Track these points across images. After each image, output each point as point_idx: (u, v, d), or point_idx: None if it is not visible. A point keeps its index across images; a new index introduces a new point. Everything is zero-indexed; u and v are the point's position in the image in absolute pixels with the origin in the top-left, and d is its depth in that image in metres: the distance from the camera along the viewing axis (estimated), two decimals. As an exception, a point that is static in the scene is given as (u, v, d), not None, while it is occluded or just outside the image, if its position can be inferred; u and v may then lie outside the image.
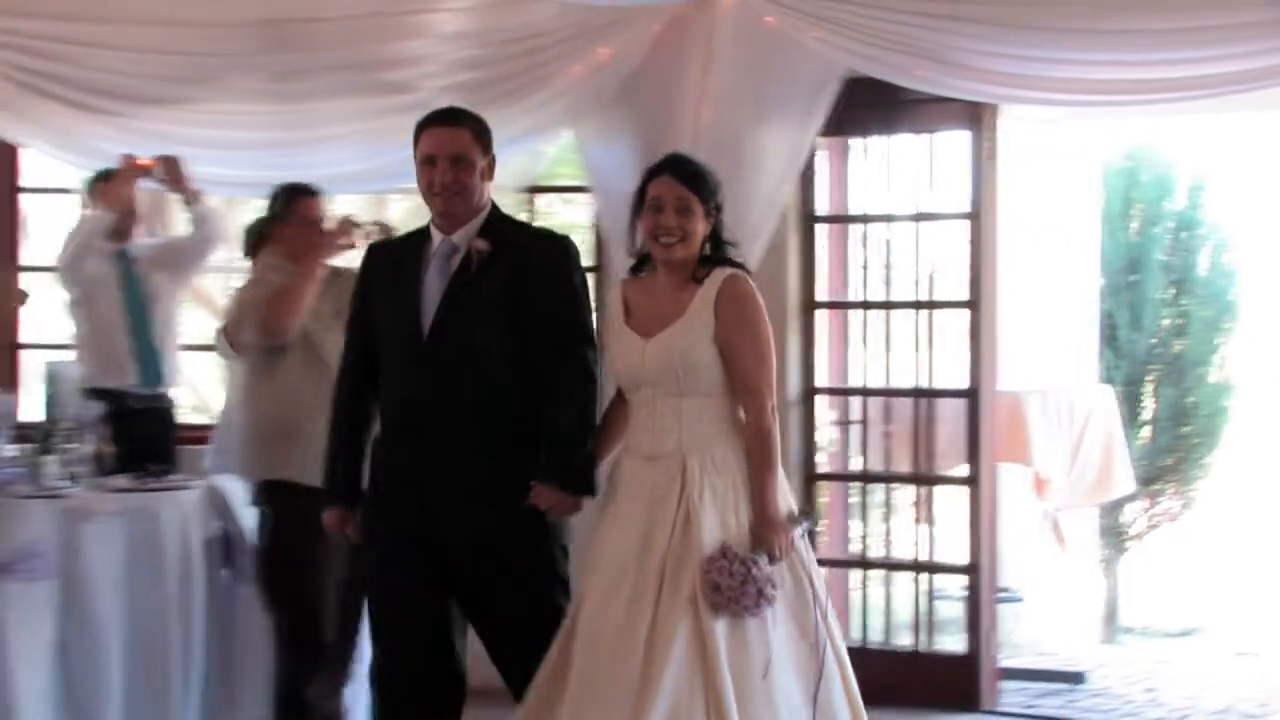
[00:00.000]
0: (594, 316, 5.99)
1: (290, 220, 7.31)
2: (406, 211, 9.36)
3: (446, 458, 5.69)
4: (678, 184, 5.51)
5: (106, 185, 8.33)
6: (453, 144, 5.72)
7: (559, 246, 5.86)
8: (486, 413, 5.68)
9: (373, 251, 6.20)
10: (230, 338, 7.36)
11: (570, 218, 9.77)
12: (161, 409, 8.40)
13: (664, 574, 5.35)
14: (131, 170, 8.25)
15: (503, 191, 8.66)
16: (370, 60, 8.73)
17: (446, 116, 5.83)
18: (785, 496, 5.55)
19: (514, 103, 8.49)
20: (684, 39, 8.34)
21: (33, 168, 9.80)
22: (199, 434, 8.56)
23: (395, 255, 5.97)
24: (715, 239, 5.60)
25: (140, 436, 8.01)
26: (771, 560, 5.31)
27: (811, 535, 6.83)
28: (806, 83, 8.22)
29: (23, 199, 9.79)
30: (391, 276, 5.87)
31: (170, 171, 8.24)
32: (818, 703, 5.39)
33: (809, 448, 8.86)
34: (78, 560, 7.13)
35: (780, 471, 5.53)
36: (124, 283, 8.28)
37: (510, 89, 8.53)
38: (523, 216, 8.61)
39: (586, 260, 9.01)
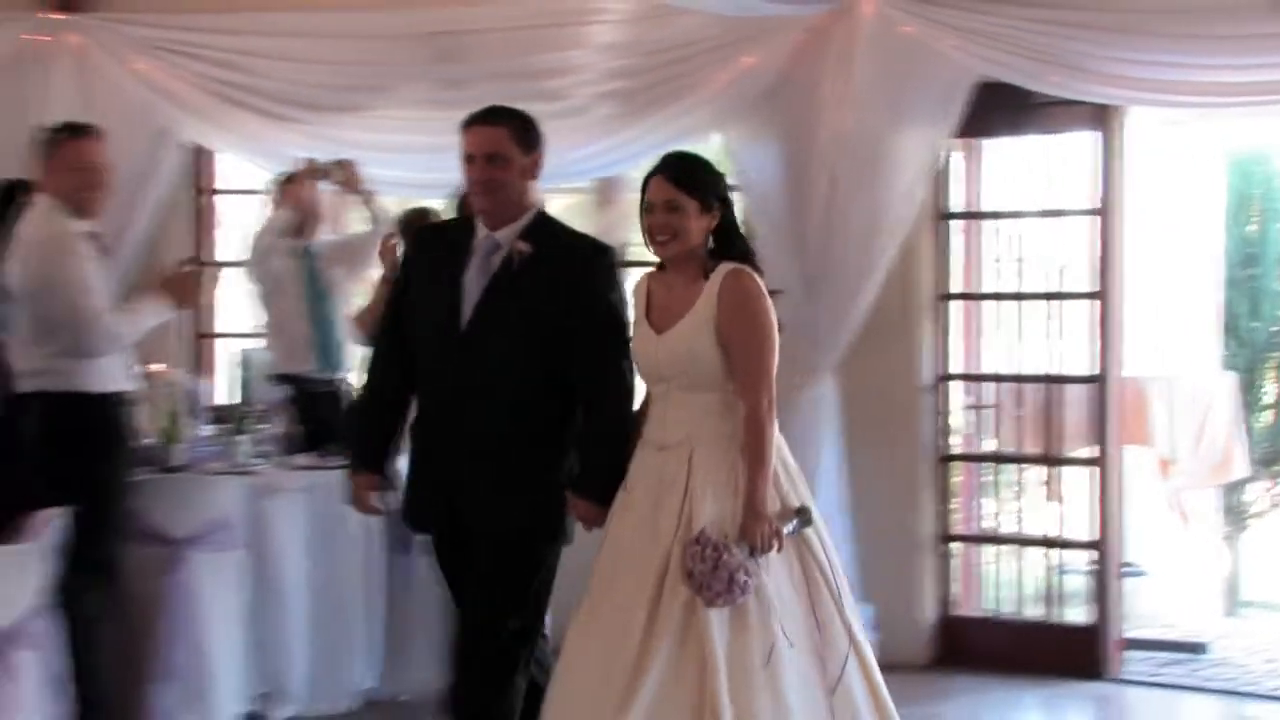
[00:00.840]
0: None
1: None
2: (564, 209, 9.43)
3: (473, 452, 5.51)
4: (666, 184, 5.29)
5: (289, 187, 8.48)
6: (488, 143, 5.50)
7: (600, 257, 5.62)
8: (515, 411, 5.48)
9: (420, 234, 6.13)
10: (364, 328, 7.59)
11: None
12: (337, 392, 8.52)
13: (667, 564, 5.17)
14: (311, 173, 8.39)
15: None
16: (529, 70, 8.83)
17: (485, 116, 5.59)
18: (794, 491, 5.33)
19: (663, 108, 8.61)
20: (824, 47, 8.40)
21: (226, 171, 9.95)
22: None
23: (440, 242, 5.78)
24: (724, 233, 5.37)
25: (320, 418, 8.15)
26: (753, 552, 5.10)
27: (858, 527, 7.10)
28: (940, 88, 8.26)
29: (216, 200, 9.94)
30: (434, 264, 5.66)
31: (346, 174, 8.38)
32: (836, 693, 5.18)
33: (942, 431, 8.84)
34: (265, 532, 7.35)
35: (791, 466, 5.37)
36: (305, 277, 8.41)
37: (659, 96, 8.63)
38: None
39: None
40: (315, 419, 8.11)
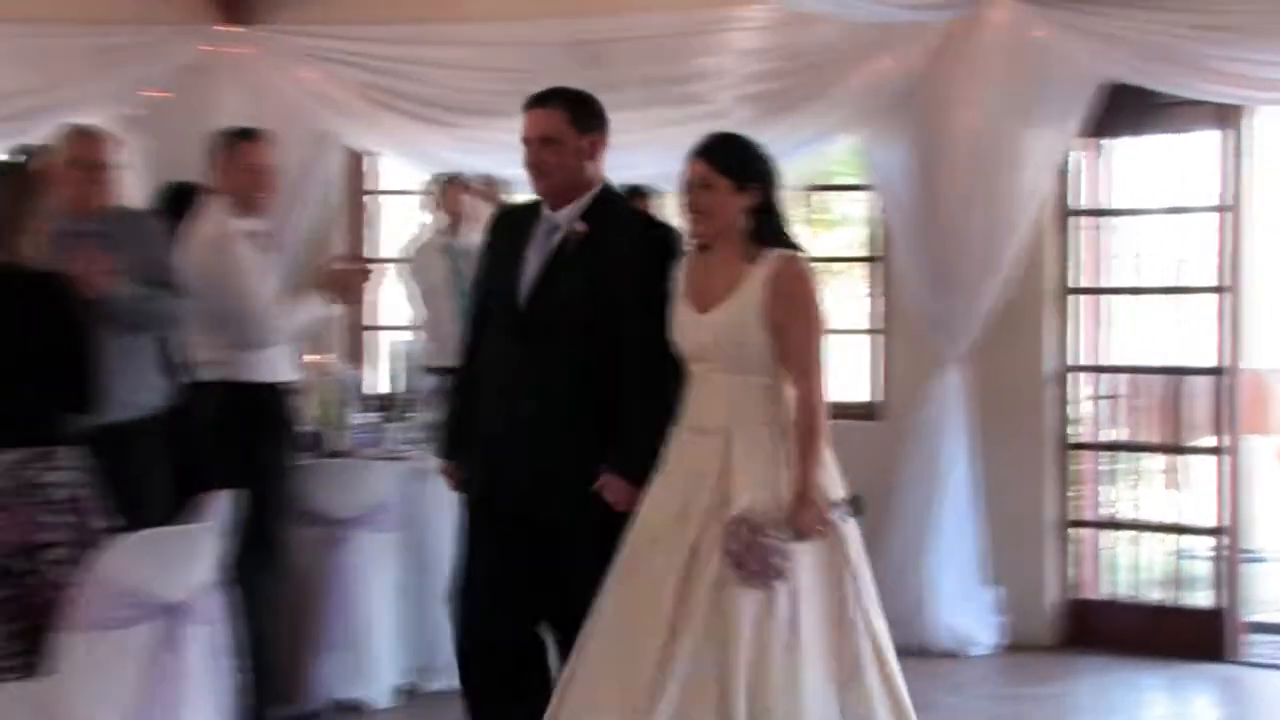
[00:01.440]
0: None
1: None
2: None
3: (527, 432, 5.30)
4: (700, 162, 5.05)
5: (445, 188, 8.57)
6: (541, 125, 5.32)
7: (656, 236, 5.40)
8: (568, 392, 5.26)
9: (496, 217, 5.87)
10: None
11: (849, 212, 9.79)
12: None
13: (697, 546, 4.91)
14: (464, 188, 8.51)
15: (790, 189, 8.85)
16: (672, 75, 8.89)
17: (540, 99, 5.41)
18: (833, 482, 5.07)
19: (800, 111, 8.64)
20: (957, 52, 8.44)
21: (383, 173, 10.08)
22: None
23: (512, 224, 5.55)
24: (762, 215, 5.06)
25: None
26: (797, 537, 4.85)
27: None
28: (1067, 90, 8.25)
29: (374, 200, 10.07)
30: (504, 245, 5.48)
31: (487, 188, 8.49)
32: (849, 689, 4.94)
33: (1065, 420, 8.78)
34: (419, 514, 7.44)
35: (829, 458, 5.07)
36: (454, 275, 8.49)
37: (797, 99, 8.65)
38: (803, 212, 8.74)
39: (867, 252, 9.12)
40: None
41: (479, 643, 5.46)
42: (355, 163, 9.82)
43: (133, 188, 7.46)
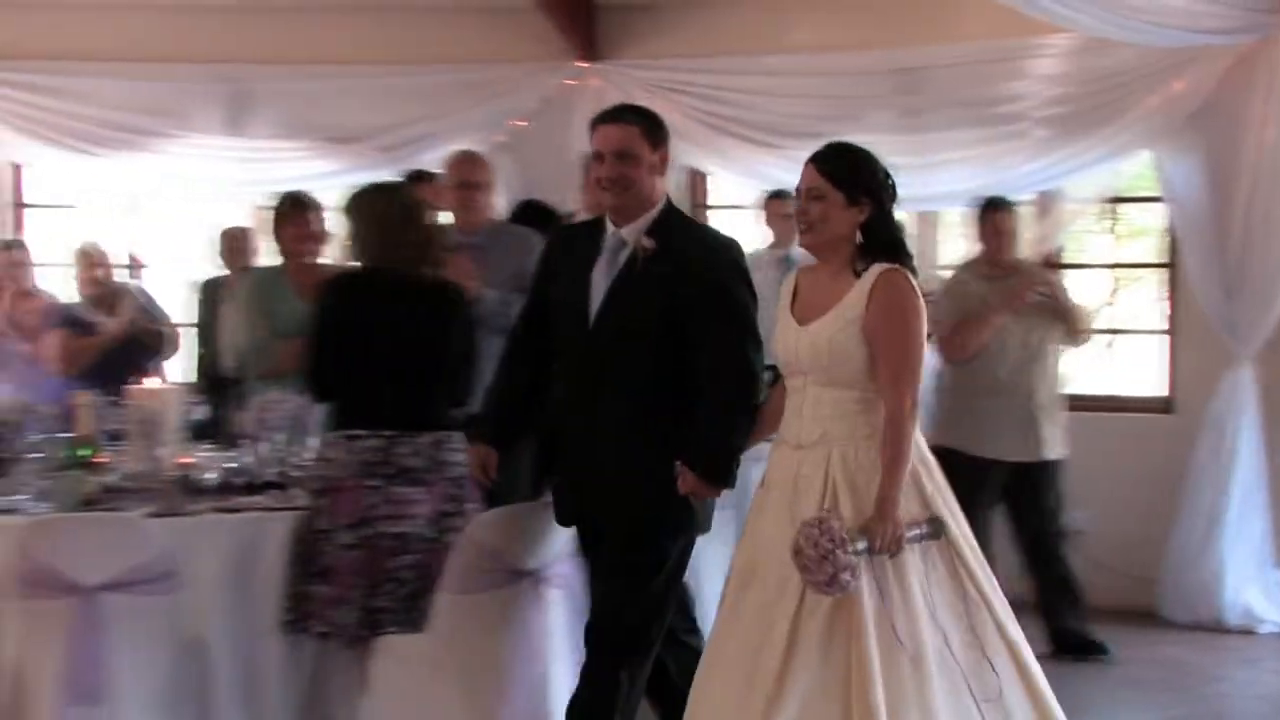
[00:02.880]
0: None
1: (985, 232, 7.57)
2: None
3: (599, 447, 5.01)
4: (813, 172, 4.61)
5: (772, 203, 8.67)
6: (618, 140, 4.99)
7: (721, 251, 5.09)
8: (639, 406, 4.96)
9: (559, 233, 5.55)
10: None
11: (1145, 223, 9.62)
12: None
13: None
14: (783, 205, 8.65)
15: (1087, 202, 8.81)
16: (979, 98, 8.92)
17: (614, 114, 5.11)
18: (940, 498, 4.62)
19: (1097, 129, 8.62)
20: (1251, 72, 8.28)
21: (718, 189, 10.21)
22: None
23: (576, 240, 5.24)
24: (873, 229, 4.62)
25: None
26: (870, 550, 4.38)
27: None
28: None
29: (709, 214, 10.23)
30: (569, 261, 5.16)
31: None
32: (992, 704, 4.48)
33: None
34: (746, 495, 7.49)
35: (937, 475, 4.65)
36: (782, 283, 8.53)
37: (1095, 119, 8.61)
38: (1105, 224, 8.66)
39: (1160, 259, 8.97)
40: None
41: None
42: (692, 180, 9.97)
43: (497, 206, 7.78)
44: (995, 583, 4.66)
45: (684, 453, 4.86)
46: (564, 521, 5.23)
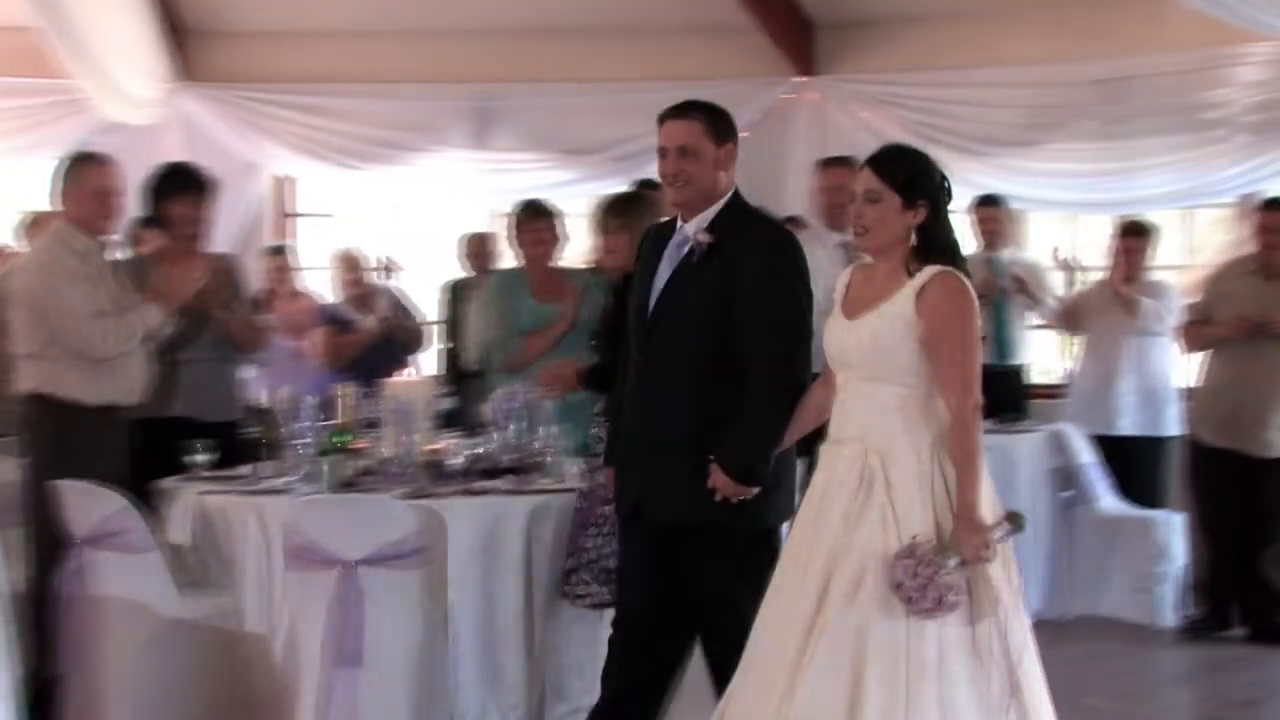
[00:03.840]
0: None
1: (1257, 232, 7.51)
2: (1212, 222, 9.15)
3: (654, 438, 4.72)
4: (870, 174, 4.29)
5: (981, 210, 8.54)
6: (680, 136, 4.70)
7: (774, 241, 4.75)
8: (691, 398, 4.66)
9: (645, 235, 5.17)
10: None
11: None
12: (1014, 374, 8.50)
13: (833, 564, 4.17)
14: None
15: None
16: (1181, 105, 8.73)
17: (678, 110, 4.79)
18: (989, 499, 4.21)
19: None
20: None
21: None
22: (1045, 391, 8.81)
23: (656, 240, 4.90)
24: (929, 232, 4.28)
25: (996, 392, 8.17)
26: (964, 563, 4.04)
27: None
28: None
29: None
30: (646, 260, 4.88)
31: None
32: (1004, 709, 4.12)
33: None
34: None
35: (984, 473, 4.21)
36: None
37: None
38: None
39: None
40: (993, 394, 8.12)
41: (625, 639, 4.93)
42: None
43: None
44: (1016, 589, 4.24)
45: (717, 450, 4.58)
46: (622, 511, 4.92)
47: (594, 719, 4.98)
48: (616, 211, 5.96)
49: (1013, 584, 4.22)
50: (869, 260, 4.42)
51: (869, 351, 4.24)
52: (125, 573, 5.40)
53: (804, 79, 9.69)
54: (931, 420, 4.20)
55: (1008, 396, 8.14)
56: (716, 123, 4.75)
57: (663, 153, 4.74)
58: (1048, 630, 7.49)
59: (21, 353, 5.92)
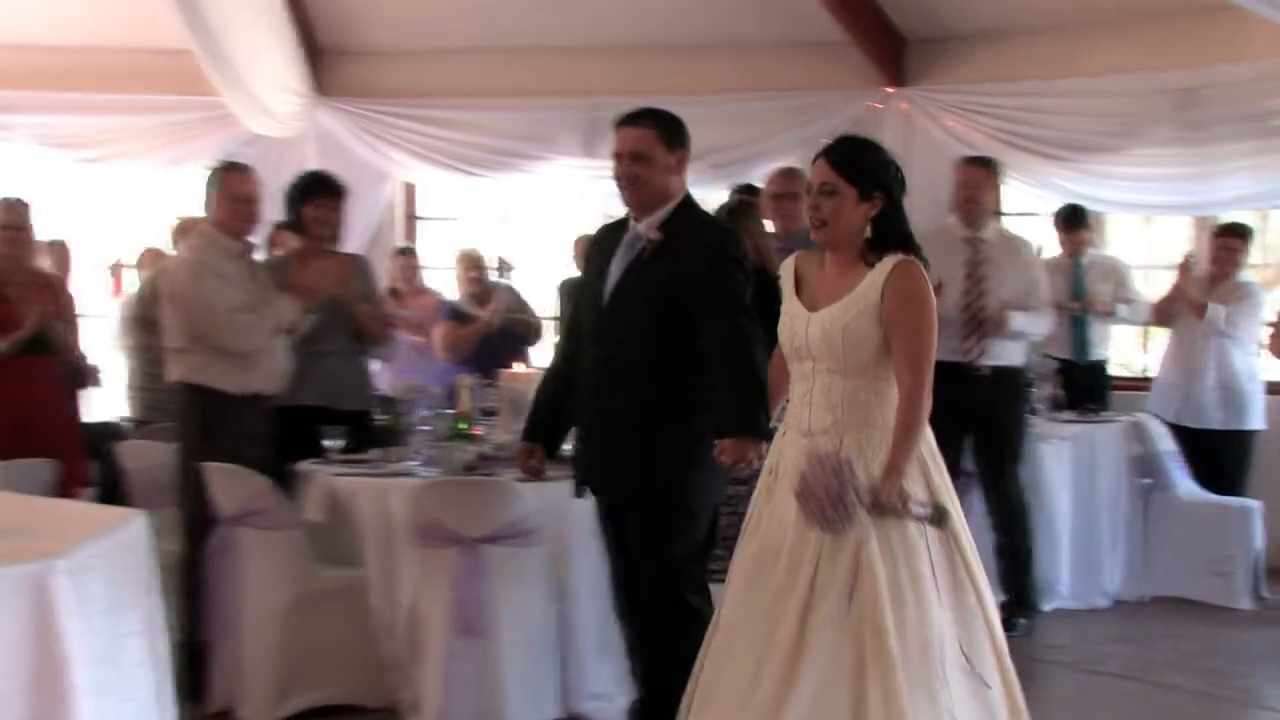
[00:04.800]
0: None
1: None
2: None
3: (603, 425, 4.73)
4: (826, 167, 4.07)
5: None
6: (633, 142, 4.68)
7: (716, 238, 4.71)
8: (641, 386, 4.64)
9: (595, 235, 5.15)
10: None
11: None
12: (1096, 369, 8.40)
13: (818, 564, 3.91)
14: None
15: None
16: (1256, 113, 8.51)
17: (633, 118, 4.77)
18: (945, 491, 4.05)
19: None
20: None
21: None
22: (1125, 384, 8.73)
23: (606, 239, 4.90)
24: (883, 223, 4.08)
25: (1079, 386, 8.12)
26: (873, 508, 3.85)
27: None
28: None
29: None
30: (596, 258, 4.88)
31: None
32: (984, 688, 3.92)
33: None
34: (1040, 469, 7.32)
35: (930, 461, 4.04)
36: (1071, 285, 8.32)
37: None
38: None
39: None
40: (1075, 387, 8.08)
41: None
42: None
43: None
44: (986, 582, 4.08)
45: (719, 429, 4.47)
46: (582, 495, 4.93)
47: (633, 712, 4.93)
48: (728, 218, 5.95)
49: (956, 575, 3.97)
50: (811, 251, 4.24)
51: (840, 344, 4.03)
52: (266, 548, 5.50)
53: (893, 90, 9.60)
54: (893, 409, 4.02)
55: (1090, 390, 8.10)
56: (668, 130, 4.72)
57: (618, 157, 4.72)
58: (1126, 610, 7.54)
59: (172, 346, 6.02)
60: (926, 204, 9.17)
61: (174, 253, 7.28)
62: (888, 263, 4.04)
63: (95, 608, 3.11)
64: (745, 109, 9.64)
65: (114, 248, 9.84)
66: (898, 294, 4.00)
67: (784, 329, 4.19)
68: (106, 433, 7.04)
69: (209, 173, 6.24)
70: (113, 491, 6.25)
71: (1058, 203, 8.78)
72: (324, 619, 5.46)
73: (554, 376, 5.02)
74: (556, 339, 5.17)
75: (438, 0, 9.74)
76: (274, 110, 9.63)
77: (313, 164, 8.79)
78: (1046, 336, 7.64)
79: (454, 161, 10.19)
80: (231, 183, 6.09)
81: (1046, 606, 7.25)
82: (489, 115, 10.13)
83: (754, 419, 4.44)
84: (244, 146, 9.29)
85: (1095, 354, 8.39)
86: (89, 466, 6.23)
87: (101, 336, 8.22)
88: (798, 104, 9.67)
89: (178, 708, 3.61)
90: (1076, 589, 7.49)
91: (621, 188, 4.74)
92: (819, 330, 4.06)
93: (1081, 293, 8.33)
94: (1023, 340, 7.02)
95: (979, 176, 7.03)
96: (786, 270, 4.26)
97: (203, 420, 5.89)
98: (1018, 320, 6.86)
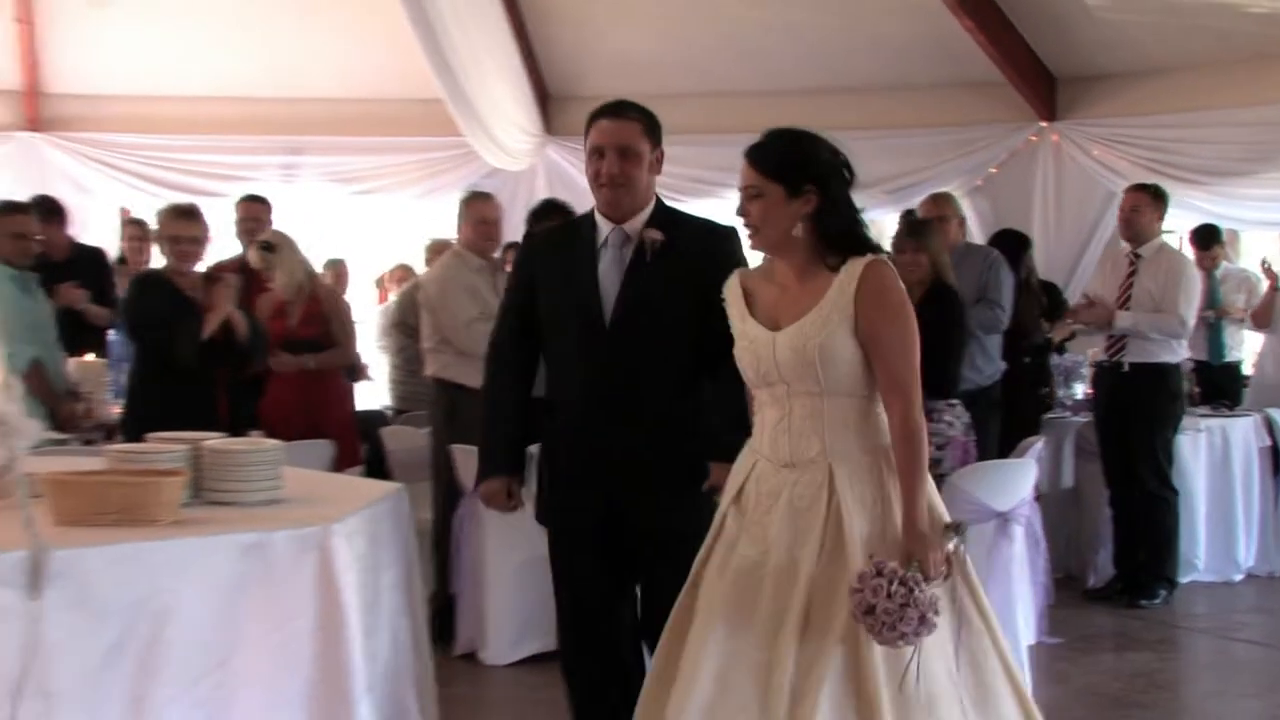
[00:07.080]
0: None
1: None
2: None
3: (633, 443, 3.67)
4: (747, 169, 3.23)
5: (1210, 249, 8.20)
6: (621, 136, 3.75)
7: (728, 235, 3.74)
8: (670, 398, 3.70)
9: (534, 239, 4.39)
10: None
11: None
12: (1234, 369, 8.12)
13: (810, 605, 3.08)
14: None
15: None
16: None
17: (615, 109, 3.82)
18: (935, 505, 3.18)
19: None
20: None
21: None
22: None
23: (561, 242, 3.94)
24: (824, 219, 3.19)
25: (1214, 384, 7.92)
26: (927, 579, 3.00)
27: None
28: None
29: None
30: (561, 262, 3.84)
31: None
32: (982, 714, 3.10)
33: None
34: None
35: (928, 478, 3.17)
36: (1209, 296, 8.06)
37: None
38: None
39: None
40: (1211, 385, 7.87)
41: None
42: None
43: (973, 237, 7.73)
44: (978, 590, 3.21)
45: (715, 450, 3.58)
46: (557, 526, 3.90)
47: None
48: (914, 234, 5.86)
49: (983, 591, 3.22)
50: (758, 264, 3.41)
51: (816, 365, 3.14)
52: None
53: (1046, 124, 9.39)
54: (881, 429, 3.19)
55: (1224, 388, 7.92)
56: (652, 125, 3.83)
57: (599, 152, 3.76)
58: (1259, 584, 7.25)
59: (427, 347, 6.17)
60: (1077, 226, 9.10)
61: (425, 269, 7.45)
62: (856, 265, 3.17)
63: (364, 564, 3.21)
64: (914, 143, 9.50)
65: (380, 265, 10.12)
66: (874, 303, 3.15)
67: (744, 354, 3.27)
68: (373, 419, 7.24)
69: (459, 201, 6.38)
70: (378, 468, 6.42)
71: (1195, 222, 8.54)
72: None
73: (510, 401, 3.91)
74: (488, 347, 4.04)
75: (651, 53, 9.80)
76: (510, 148, 9.81)
77: (543, 193, 8.93)
78: (1176, 339, 7.46)
79: (663, 191, 10.10)
80: (476, 208, 6.20)
81: (1184, 579, 6.99)
82: (692, 150, 10.01)
83: (740, 445, 3.43)
84: (485, 179, 9.47)
85: (1230, 356, 8.22)
86: (360, 447, 6.41)
87: (369, 338, 8.48)
88: (960, 138, 9.51)
89: (430, 649, 3.69)
90: (1212, 564, 7.23)
91: (603, 188, 3.77)
92: (789, 352, 3.17)
93: (1216, 302, 8.09)
94: (1137, 337, 6.67)
95: (1137, 200, 6.87)
96: (732, 291, 3.34)
97: (449, 409, 5.98)
98: (1123, 318, 6.62)
